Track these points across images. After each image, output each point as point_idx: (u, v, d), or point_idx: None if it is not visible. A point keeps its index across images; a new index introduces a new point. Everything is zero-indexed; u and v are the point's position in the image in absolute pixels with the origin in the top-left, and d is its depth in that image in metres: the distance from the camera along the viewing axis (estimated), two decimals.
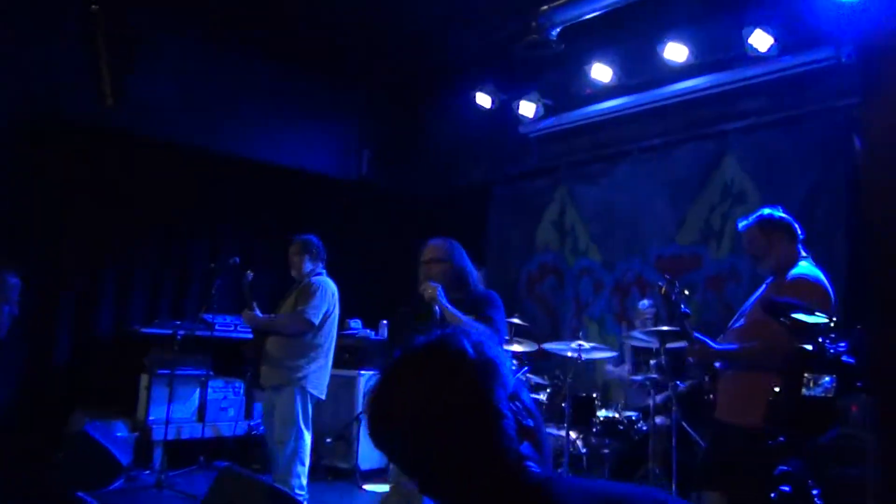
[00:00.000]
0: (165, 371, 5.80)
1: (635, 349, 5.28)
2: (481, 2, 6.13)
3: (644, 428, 4.79)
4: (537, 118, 6.86)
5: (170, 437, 5.68)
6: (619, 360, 5.70)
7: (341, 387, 6.12)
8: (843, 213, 4.97)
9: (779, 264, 3.27)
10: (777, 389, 2.19)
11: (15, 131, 5.87)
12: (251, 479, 4.01)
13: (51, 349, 6.17)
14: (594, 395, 5.09)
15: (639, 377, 5.14)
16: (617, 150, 6.49)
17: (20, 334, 5.39)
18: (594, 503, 1.09)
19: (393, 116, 8.03)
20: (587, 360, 5.18)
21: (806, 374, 1.97)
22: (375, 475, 5.85)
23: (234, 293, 6.22)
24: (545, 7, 5.56)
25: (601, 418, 4.93)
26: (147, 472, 5.60)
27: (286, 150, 7.36)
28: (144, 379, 6.06)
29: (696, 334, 3.20)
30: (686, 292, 3.36)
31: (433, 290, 3.62)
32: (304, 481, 4.56)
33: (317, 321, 4.64)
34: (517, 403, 1.16)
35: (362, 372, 6.22)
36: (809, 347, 2.05)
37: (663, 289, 3.33)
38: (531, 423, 1.15)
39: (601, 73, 6.28)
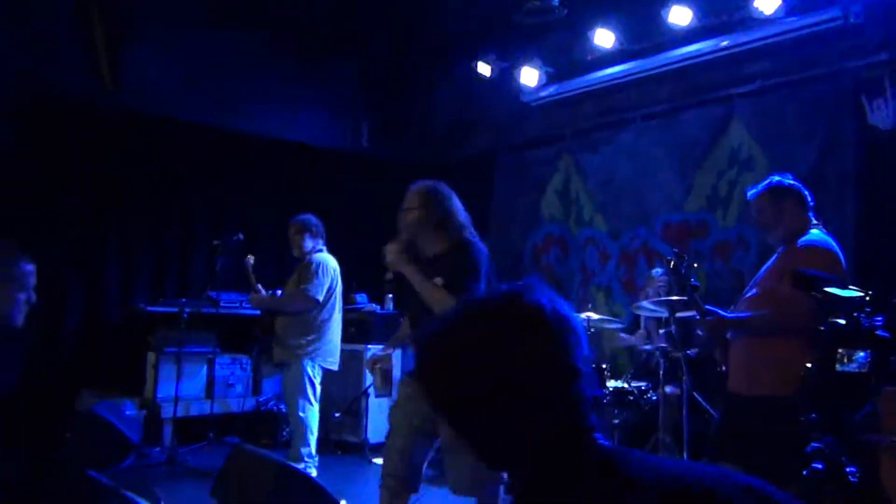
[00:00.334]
0: (172, 349, 5.80)
1: (647, 318, 5.25)
2: None
3: (654, 398, 4.78)
4: (540, 86, 6.77)
5: (179, 415, 5.70)
6: (631, 328, 5.67)
7: (348, 361, 6.10)
8: (853, 176, 4.91)
9: (789, 232, 3.22)
10: (809, 365, 2.15)
11: (13, 111, 5.80)
12: (263, 456, 4.02)
13: (58, 330, 6.16)
14: (603, 366, 5.07)
15: (648, 346, 5.12)
16: (621, 117, 6.41)
17: (26, 315, 5.35)
18: (668, 483, 0.97)
19: (393, 87, 7.92)
20: (595, 330, 5.16)
21: (840, 350, 1.92)
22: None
23: (239, 270, 6.21)
24: None
25: (610, 389, 4.91)
26: (157, 449, 5.63)
27: (287, 123, 7.31)
28: (152, 357, 6.06)
29: (708, 306, 3.17)
30: (695, 265, 3.32)
31: (389, 254, 3.35)
32: (314, 450, 4.78)
33: (321, 297, 4.80)
34: (589, 368, 1.07)
35: (369, 346, 6.21)
36: (842, 322, 2.00)
37: (672, 262, 3.29)
38: (599, 393, 1.09)
39: (604, 38, 6.18)
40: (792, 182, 3.31)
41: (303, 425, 4.72)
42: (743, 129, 5.61)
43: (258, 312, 5.36)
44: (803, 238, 3.18)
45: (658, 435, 4.49)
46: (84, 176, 6.25)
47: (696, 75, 5.91)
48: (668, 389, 4.64)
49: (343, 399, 6.02)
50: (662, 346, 4.74)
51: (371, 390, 5.92)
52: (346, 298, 6.65)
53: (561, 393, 1.03)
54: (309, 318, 4.82)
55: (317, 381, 4.84)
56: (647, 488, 0.96)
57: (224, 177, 7.09)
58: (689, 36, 5.79)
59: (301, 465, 4.45)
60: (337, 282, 4.98)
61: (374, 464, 5.72)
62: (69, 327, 6.23)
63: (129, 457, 5.18)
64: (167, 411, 5.75)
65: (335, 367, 4.97)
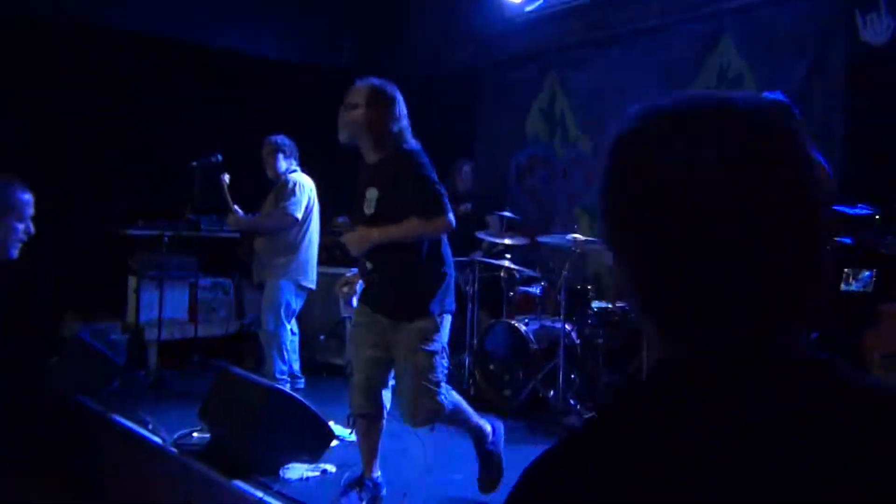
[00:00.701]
0: (154, 272, 5.75)
1: None
2: None
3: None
4: (525, 1, 6.56)
5: (163, 338, 5.70)
6: None
7: (332, 284, 6.07)
8: (842, 93, 4.85)
9: None
10: None
11: None
12: (250, 379, 4.04)
13: (35, 254, 6.05)
14: (588, 287, 5.09)
15: None
16: (608, 33, 6.23)
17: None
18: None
19: (373, 2, 7.65)
20: (580, 251, 5.15)
21: (846, 269, 1.90)
22: None
23: (217, 189, 6.11)
24: None
25: (595, 309, 4.95)
26: (143, 372, 5.62)
27: (265, 39, 7.09)
28: (133, 281, 6.00)
29: None
30: None
31: (352, 245, 3.18)
32: (285, 366, 4.93)
33: (299, 215, 4.88)
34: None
35: (353, 269, 6.17)
36: (847, 241, 1.97)
37: None
38: None
39: None
40: (784, 98, 3.26)
41: (273, 341, 4.84)
42: (732, 46, 5.49)
43: (238, 234, 5.35)
44: None
45: (642, 354, 4.55)
46: (53, 96, 6.03)
47: None
48: None
49: (328, 322, 6.02)
50: None
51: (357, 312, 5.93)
52: (330, 221, 6.60)
53: (813, 229, 0.72)
54: (287, 236, 4.90)
55: (293, 301, 4.92)
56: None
57: (199, 95, 6.86)
58: None
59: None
60: (314, 201, 5.03)
61: None
62: (46, 251, 6.12)
63: (114, 380, 5.20)
64: (151, 335, 5.73)
65: (312, 286, 5.06)
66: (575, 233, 4.84)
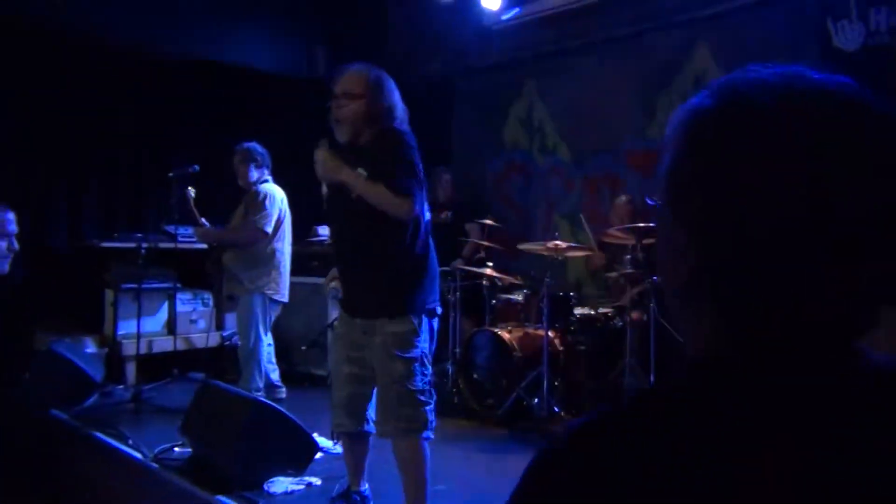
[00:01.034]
0: (131, 285, 5.66)
1: (610, 244, 5.26)
2: None
3: (620, 324, 4.83)
4: (501, 9, 6.59)
5: (141, 352, 5.61)
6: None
7: (312, 294, 6.05)
8: None
9: None
10: None
11: None
12: (234, 393, 3.99)
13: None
14: (570, 294, 5.11)
15: (613, 273, 5.16)
16: (584, 41, 6.28)
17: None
18: None
19: (349, 11, 7.64)
20: (561, 258, 5.17)
21: None
22: None
23: (196, 202, 6.05)
24: None
25: (578, 316, 4.96)
26: (121, 387, 5.54)
27: (238, 48, 7.04)
28: (109, 294, 5.91)
29: None
30: None
31: (322, 163, 2.85)
32: (261, 382, 4.83)
33: (269, 229, 4.76)
34: None
35: None
36: None
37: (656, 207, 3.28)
38: None
39: None
40: None
41: (251, 357, 4.75)
42: (707, 53, 5.56)
43: (195, 247, 5.28)
44: None
45: (625, 360, 4.57)
46: (25, 106, 5.94)
47: None
48: (634, 315, 4.70)
49: (308, 332, 5.98)
50: (628, 272, 4.78)
51: (336, 323, 5.89)
52: (308, 230, 6.56)
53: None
54: (257, 250, 4.78)
55: (267, 315, 4.83)
56: None
57: (173, 106, 6.81)
58: None
59: None
60: (285, 213, 4.92)
61: None
62: (18, 264, 6.01)
63: (91, 396, 5.11)
64: (129, 349, 5.66)
65: (285, 300, 4.96)
66: (556, 240, 4.84)
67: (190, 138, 6.90)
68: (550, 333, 4.77)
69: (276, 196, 4.86)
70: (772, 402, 0.63)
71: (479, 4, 6.56)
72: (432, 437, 2.94)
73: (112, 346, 5.74)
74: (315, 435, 3.85)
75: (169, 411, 4.87)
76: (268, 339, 5.02)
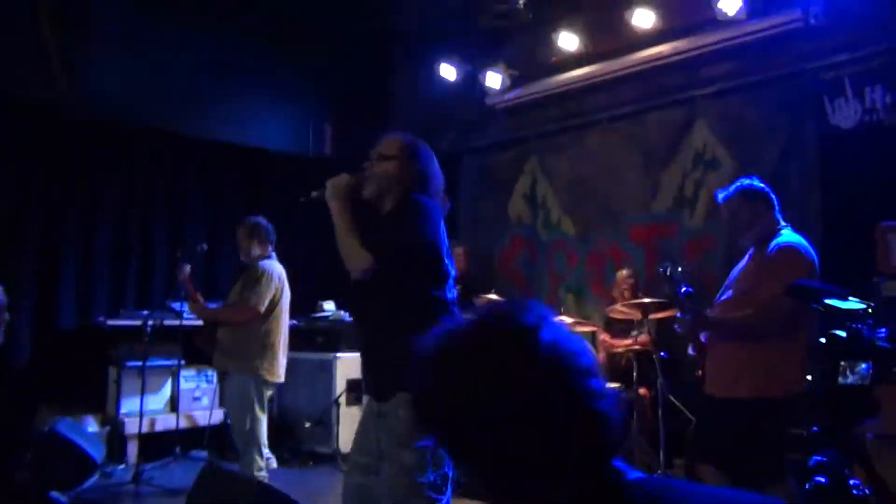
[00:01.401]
0: (135, 363, 5.63)
1: (617, 320, 5.24)
2: None
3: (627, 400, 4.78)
4: (504, 89, 6.76)
5: (143, 430, 5.52)
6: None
7: (317, 371, 6.02)
8: (817, 174, 4.99)
9: (762, 234, 3.29)
10: (810, 378, 2.15)
11: None
12: (238, 475, 3.92)
13: (11, 345, 5.93)
14: None
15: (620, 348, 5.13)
16: (586, 119, 6.42)
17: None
18: None
19: (355, 90, 7.83)
20: None
21: (842, 363, 1.92)
22: None
23: (202, 279, 6.07)
24: None
25: None
26: (122, 467, 5.45)
27: (247, 128, 7.19)
28: (113, 372, 5.88)
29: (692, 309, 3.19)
30: (682, 269, 3.34)
31: (336, 181, 2.76)
32: (263, 463, 4.57)
33: (262, 308, 4.54)
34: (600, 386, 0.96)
35: (338, 355, 6.10)
36: (843, 334, 1.99)
37: (668, 270, 3.31)
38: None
39: (568, 41, 6.20)
40: (761, 185, 3.37)
41: (251, 440, 4.51)
42: (707, 129, 5.66)
43: (199, 323, 5.12)
44: (777, 239, 3.23)
45: (631, 438, 4.50)
46: (35, 184, 6.04)
47: (660, 77, 5.95)
48: (641, 391, 4.65)
49: (314, 409, 5.92)
50: (635, 348, 4.75)
51: (342, 399, 5.84)
52: (314, 306, 6.57)
53: (566, 420, 0.93)
54: (252, 329, 4.57)
55: (262, 396, 4.60)
56: None
57: (182, 184, 6.93)
58: (652, 38, 5.83)
59: None
60: (282, 291, 4.72)
61: None
62: (24, 343, 6.01)
63: (92, 476, 5.03)
64: (131, 427, 5.59)
65: (280, 380, 4.71)
66: (561, 314, 4.84)
67: (198, 215, 7.00)
68: None
69: (274, 274, 4.68)
70: None
71: (482, 84, 6.73)
72: None
73: (114, 425, 5.68)
74: None
75: (170, 492, 4.79)
76: (263, 418, 4.81)
